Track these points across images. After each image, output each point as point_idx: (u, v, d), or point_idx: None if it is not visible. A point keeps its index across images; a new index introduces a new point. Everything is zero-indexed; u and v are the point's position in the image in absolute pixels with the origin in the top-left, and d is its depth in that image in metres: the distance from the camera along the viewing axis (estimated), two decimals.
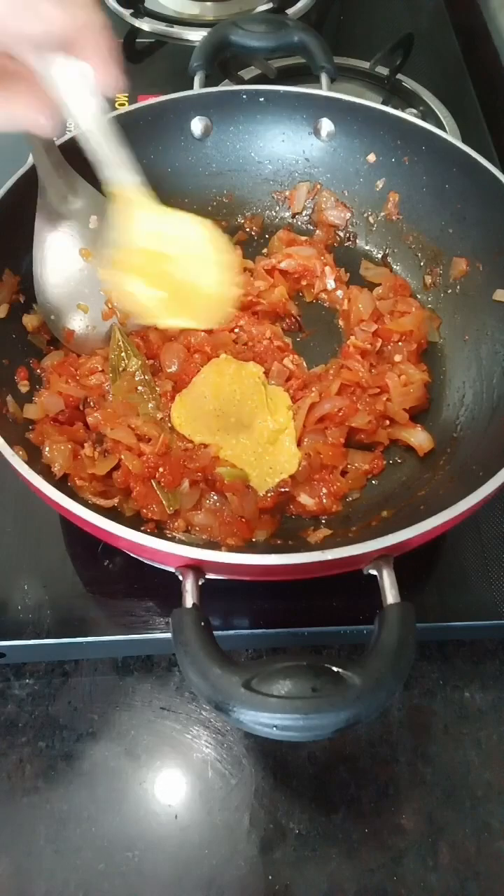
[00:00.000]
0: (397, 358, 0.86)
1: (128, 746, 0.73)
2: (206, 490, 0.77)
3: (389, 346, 0.88)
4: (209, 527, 0.75)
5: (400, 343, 0.87)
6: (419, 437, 0.81)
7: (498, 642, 0.79)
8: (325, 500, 0.77)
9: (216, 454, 0.78)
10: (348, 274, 0.95)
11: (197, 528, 0.75)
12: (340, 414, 0.80)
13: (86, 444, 0.77)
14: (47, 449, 0.74)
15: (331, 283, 0.94)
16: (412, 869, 0.68)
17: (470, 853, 0.69)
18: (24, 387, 0.80)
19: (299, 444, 0.80)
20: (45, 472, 0.73)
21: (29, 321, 0.83)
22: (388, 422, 0.83)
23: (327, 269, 0.93)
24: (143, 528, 0.72)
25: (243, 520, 0.74)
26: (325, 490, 0.78)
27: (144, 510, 0.74)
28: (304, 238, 0.98)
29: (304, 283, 0.95)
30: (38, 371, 0.82)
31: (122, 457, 0.75)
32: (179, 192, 0.97)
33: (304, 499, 0.77)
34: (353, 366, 0.84)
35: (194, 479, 0.76)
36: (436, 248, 0.92)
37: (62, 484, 0.74)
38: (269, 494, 0.76)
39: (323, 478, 0.78)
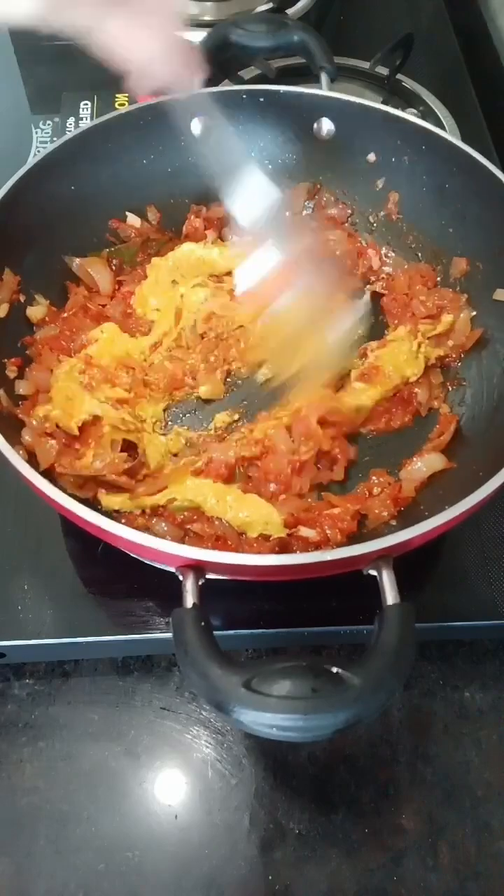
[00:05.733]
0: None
1: (128, 746, 0.73)
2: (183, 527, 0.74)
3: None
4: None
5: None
6: (435, 463, 0.78)
7: (498, 642, 0.79)
8: (328, 531, 0.72)
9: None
10: None
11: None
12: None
13: None
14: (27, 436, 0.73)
15: (375, 263, 0.94)
16: (412, 869, 0.68)
17: (470, 853, 0.69)
18: (14, 376, 0.79)
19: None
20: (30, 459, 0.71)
21: (33, 313, 0.84)
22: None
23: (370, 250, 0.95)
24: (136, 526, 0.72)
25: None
26: (329, 528, 0.73)
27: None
28: None
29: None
30: (31, 346, 0.82)
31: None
32: (180, 193, 0.97)
33: (305, 531, 0.72)
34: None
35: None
36: (436, 247, 0.92)
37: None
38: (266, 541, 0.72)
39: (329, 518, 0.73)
